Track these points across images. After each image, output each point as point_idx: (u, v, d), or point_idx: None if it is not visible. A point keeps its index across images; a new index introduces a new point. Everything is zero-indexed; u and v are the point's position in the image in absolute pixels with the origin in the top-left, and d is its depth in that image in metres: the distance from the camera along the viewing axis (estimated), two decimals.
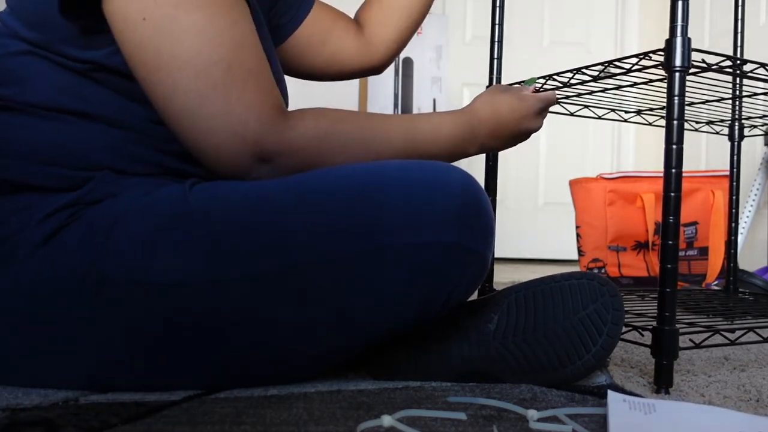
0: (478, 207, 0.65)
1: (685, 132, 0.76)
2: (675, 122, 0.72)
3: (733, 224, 1.29)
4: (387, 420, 0.55)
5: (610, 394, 0.61)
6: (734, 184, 1.31)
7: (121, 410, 0.58)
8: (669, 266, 0.72)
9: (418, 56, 2.06)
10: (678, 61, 0.72)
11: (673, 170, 0.72)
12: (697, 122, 1.27)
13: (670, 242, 0.72)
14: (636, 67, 0.81)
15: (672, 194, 0.72)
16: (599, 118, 1.16)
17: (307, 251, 0.61)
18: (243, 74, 0.64)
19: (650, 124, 1.20)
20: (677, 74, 0.72)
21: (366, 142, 0.71)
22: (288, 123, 0.66)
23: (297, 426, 0.55)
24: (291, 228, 0.62)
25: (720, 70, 0.78)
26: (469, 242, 0.64)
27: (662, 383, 0.71)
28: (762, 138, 2.44)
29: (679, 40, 0.71)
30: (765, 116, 1.17)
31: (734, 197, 1.30)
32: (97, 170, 0.66)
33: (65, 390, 0.64)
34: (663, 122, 1.22)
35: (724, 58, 0.78)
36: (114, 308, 0.61)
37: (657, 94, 1.04)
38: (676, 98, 0.72)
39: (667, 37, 0.73)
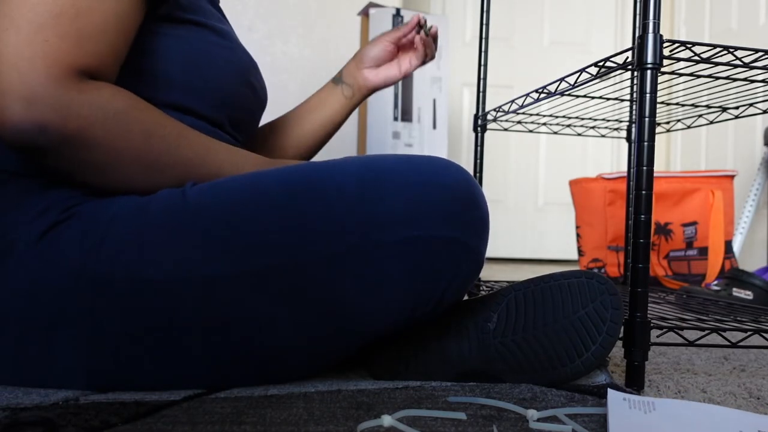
0: (473, 202, 0.65)
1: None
2: (647, 119, 0.72)
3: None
4: (387, 420, 0.55)
5: (610, 392, 0.61)
6: (631, 183, 1.32)
7: (121, 410, 0.58)
8: (640, 266, 0.71)
9: None
10: (650, 58, 0.71)
11: (645, 168, 0.72)
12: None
13: (642, 240, 0.71)
14: (603, 69, 0.81)
15: (643, 192, 0.71)
16: (579, 135, 1.16)
17: (302, 248, 0.61)
18: (43, 15, 0.57)
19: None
20: (649, 71, 0.72)
21: (159, 143, 0.63)
22: (77, 85, 0.58)
23: (297, 426, 0.55)
24: (286, 224, 0.61)
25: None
26: (465, 237, 0.65)
27: (634, 383, 0.72)
28: (762, 138, 2.44)
29: (650, 37, 0.71)
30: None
31: (631, 195, 1.31)
32: None
33: (65, 390, 0.64)
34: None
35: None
36: (110, 306, 0.61)
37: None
38: (647, 95, 0.72)
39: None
